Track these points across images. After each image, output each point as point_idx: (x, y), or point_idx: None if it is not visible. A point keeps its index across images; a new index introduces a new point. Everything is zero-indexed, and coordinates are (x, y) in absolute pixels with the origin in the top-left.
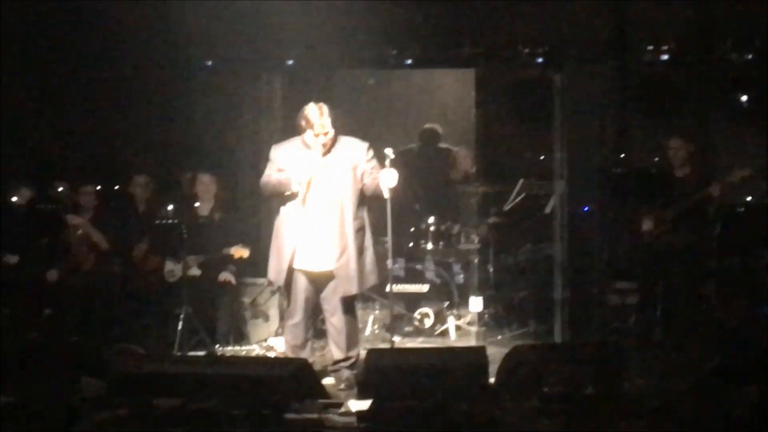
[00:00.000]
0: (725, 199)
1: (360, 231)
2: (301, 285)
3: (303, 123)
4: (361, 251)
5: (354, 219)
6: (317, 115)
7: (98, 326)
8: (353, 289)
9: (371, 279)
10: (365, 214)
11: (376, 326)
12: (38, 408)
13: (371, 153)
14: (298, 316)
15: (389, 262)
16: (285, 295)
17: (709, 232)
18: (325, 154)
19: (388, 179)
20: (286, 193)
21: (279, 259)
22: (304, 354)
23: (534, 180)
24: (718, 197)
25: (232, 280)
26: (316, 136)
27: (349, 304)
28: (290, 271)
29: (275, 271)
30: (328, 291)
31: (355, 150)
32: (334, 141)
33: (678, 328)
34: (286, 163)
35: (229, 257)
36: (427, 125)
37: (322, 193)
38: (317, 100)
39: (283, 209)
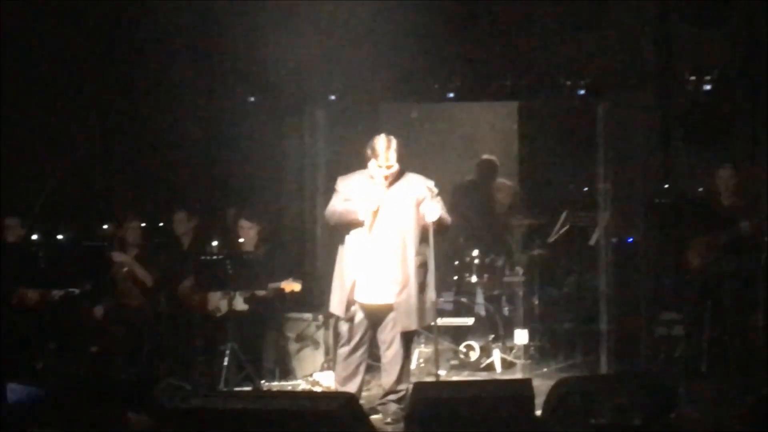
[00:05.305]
0: None
1: (422, 267)
2: (360, 317)
3: (369, 152)
4: (422, 287)
5: (416, 254)
6: (384, 147)
7: (144, 362)
8: (412, 325)
9: (431, 316)
10: (428, 251)
11: (421, 360)
12: None
13: (436, 190)
14: (352, 347)
15: (432, 294)
16: (344, 325)
17: (757, 261)
18: (389, 186)
19: (430, 212)
20: (352, 222)
21: (341, 290)
22: (354, 385)
23: (578, 211)
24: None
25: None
26: (379, 167)
27: (406, 338)
28: (350, 303)
29: (338, 302)
30: (386, 324)
31: (420, 186)
32: (399, 175)
33: (725, 358)
34: (353, 194)
35: (280, 291)
36: (485, 156)
37: (385, 225)
38: (363, 134)
39: (347, 239)
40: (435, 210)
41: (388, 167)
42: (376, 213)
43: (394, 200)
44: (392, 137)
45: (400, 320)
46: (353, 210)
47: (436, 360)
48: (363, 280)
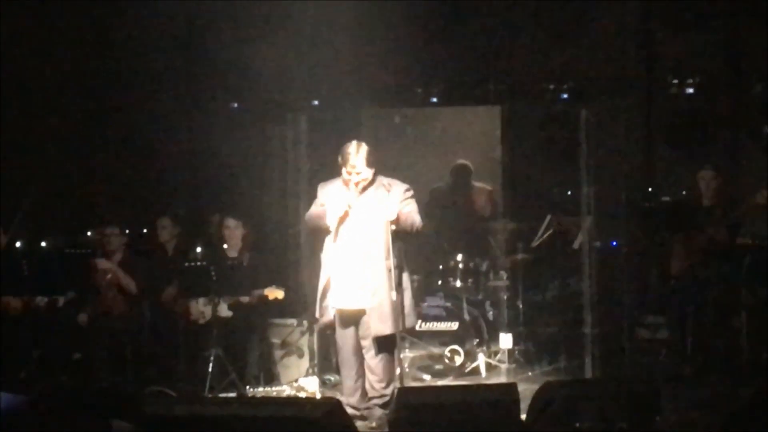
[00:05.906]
0: (754, 229)
1: (395, 270)
2: (341, 322)
3: (340, 159)
4: (396, 291)
5: (386, 258)
6: (353, 153)
7: (129, 369)
8: (387, 329)
9: (409, 320)
10: (402, 255)
11: (406, 365)
12: None
13: (408, 194)
14: (346, 353)
15: (399, 294)
16: (331, 334)
17: (739, 264)
18: (361, 192)
19: (386, 210)
20: (322, 228)
21: (321, 295)
22: (358, 389)
23: (561, 215)
24: (746, 226)
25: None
26: (348, 173)
27: (386, 342)
28: (326, 308)
29: (320, 306)
30: (364, 328)
31: (392, 191)
32: (372, 181)
33: (709, 362)
34: (328, 199)
35: (264, 298)
36: (459, 161)
37: (354, 231)
38: (347, 140)
39: (325, 245)
40: (390, 209)
41: (357, 173)
42: (343, 219)
43: (364, 206)
44: (363, 144)
45: (374, 325)
46: (321, 214)
47: (420, 365)
48: (337, 286)
